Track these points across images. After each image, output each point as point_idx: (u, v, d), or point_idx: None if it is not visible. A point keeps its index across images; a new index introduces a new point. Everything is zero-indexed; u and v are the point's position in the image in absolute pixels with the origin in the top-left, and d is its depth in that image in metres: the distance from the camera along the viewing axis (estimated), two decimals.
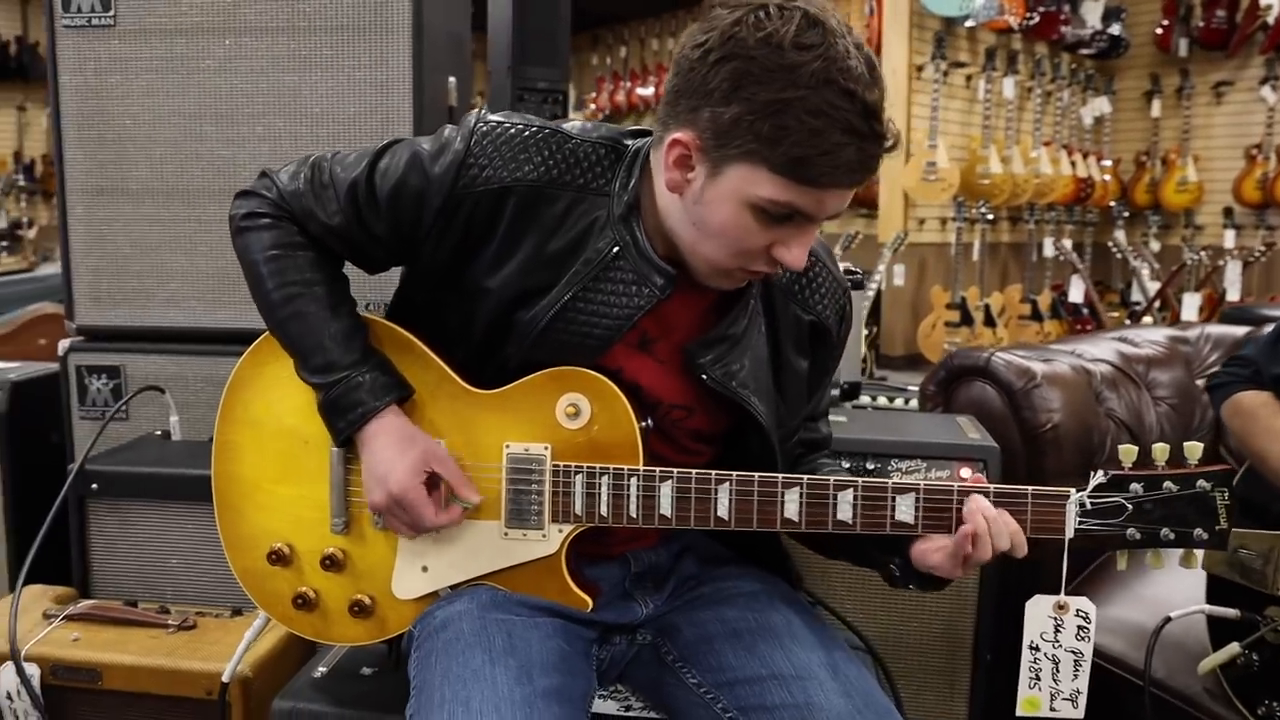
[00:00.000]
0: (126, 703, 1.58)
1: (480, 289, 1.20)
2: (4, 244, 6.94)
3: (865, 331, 6.10)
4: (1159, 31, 7.64)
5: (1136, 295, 6.76)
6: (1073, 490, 1.15)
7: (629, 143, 1.20)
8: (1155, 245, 7.62)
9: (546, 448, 1.21)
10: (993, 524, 1.12)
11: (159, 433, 2.10)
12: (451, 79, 2.32)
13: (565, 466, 1.21)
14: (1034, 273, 7.29)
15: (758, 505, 1.17)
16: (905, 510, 1.15)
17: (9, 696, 1.57)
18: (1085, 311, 6.92)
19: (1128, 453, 1.17)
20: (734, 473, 1.17)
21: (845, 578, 1.81)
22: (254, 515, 1.33)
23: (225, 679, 1.49)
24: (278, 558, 1.31)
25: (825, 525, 1.17)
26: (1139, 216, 7.86)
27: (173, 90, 2.09)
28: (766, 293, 1.27)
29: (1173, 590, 1.90)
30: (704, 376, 1.21)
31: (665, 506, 1.18)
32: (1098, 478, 1.15)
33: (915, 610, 1.79)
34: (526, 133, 1.17)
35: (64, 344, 2.19)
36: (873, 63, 1.04)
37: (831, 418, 1.93)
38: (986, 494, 1.14)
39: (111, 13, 2.09)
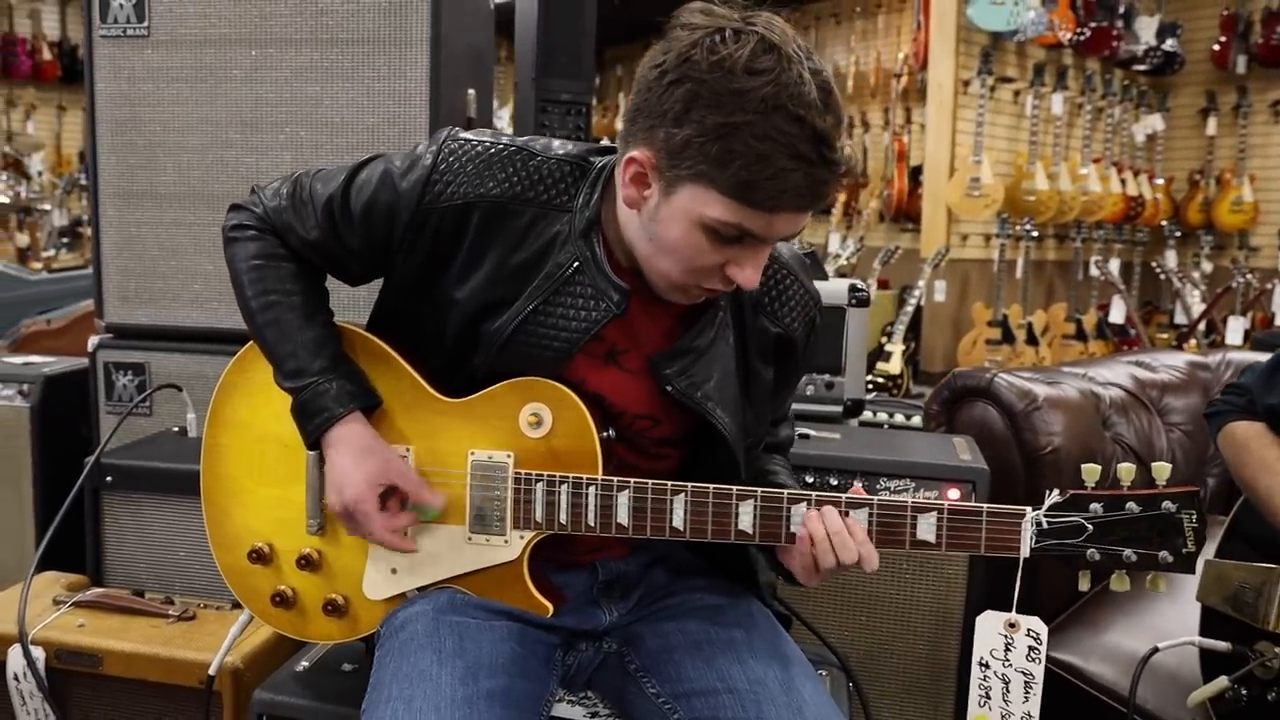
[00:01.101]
0: (125, 688, 1.64)
1: (449, 300, 1.24)
2: (64, 240, 7.13)
3: (903, 346, 6.05)
4: (1216, 48, 7.45)
5: (1181, 318, 6.61)
6: (1029, 509, 1.14)
7: (595, 160, 1.23)
8: (1208, 266, 7.42)
9: (509, 455, 1.25)
10: (834, 537, 1.14)
11: (177, 429, 2.17)
12: (470, 91, 2.37)
13: (527, 474, 1.24)
14: (1080, 291, 7.15)
15: (712, 516, 1.19)
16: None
17: (16, 678, 1.64)
18: (1132, 332, 6.77)
19: (1090, 472, 1.15)
20: (690, 484, 1.19)
21: (829, 598, 1.81)
22: (237, 514, 1.38)
23: (212, 671, 1.54)
24: (258, 556, 1.36)
25: (779, 538, 1.19)
26: (1191, 236, 7.66)
27: (201, 99, 2.17)
28: (736, 304, 1.29)
29: (1172, 620, 1.88)
30: (668, 388, 1.23)
31: (622, 515, 1.20)
32: (1054, 497, 1.13)
33: (899, 631, 1.79)
34: (492, 150, 1.21)
35: (93, 341, 2.29)
36: (829, 89, 1.05)
37: (825, 434, 1.95)
38: (940, 510, 1.15)
39: (145, 23, 2.18)
